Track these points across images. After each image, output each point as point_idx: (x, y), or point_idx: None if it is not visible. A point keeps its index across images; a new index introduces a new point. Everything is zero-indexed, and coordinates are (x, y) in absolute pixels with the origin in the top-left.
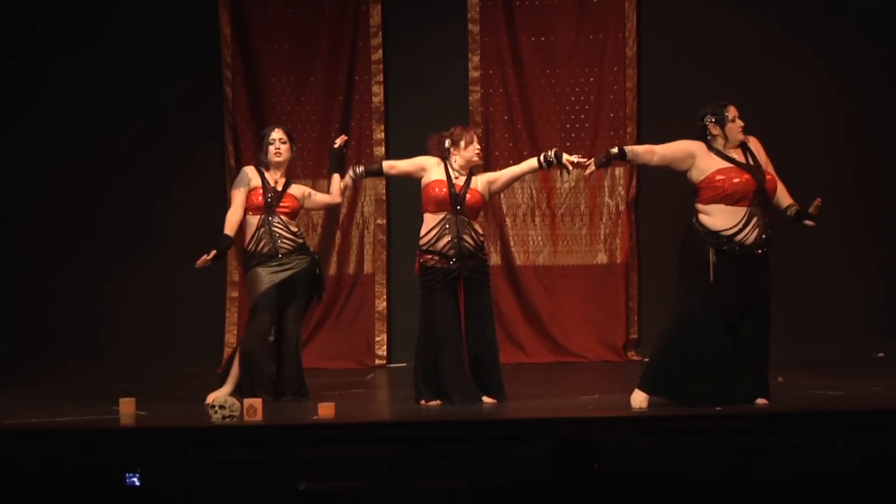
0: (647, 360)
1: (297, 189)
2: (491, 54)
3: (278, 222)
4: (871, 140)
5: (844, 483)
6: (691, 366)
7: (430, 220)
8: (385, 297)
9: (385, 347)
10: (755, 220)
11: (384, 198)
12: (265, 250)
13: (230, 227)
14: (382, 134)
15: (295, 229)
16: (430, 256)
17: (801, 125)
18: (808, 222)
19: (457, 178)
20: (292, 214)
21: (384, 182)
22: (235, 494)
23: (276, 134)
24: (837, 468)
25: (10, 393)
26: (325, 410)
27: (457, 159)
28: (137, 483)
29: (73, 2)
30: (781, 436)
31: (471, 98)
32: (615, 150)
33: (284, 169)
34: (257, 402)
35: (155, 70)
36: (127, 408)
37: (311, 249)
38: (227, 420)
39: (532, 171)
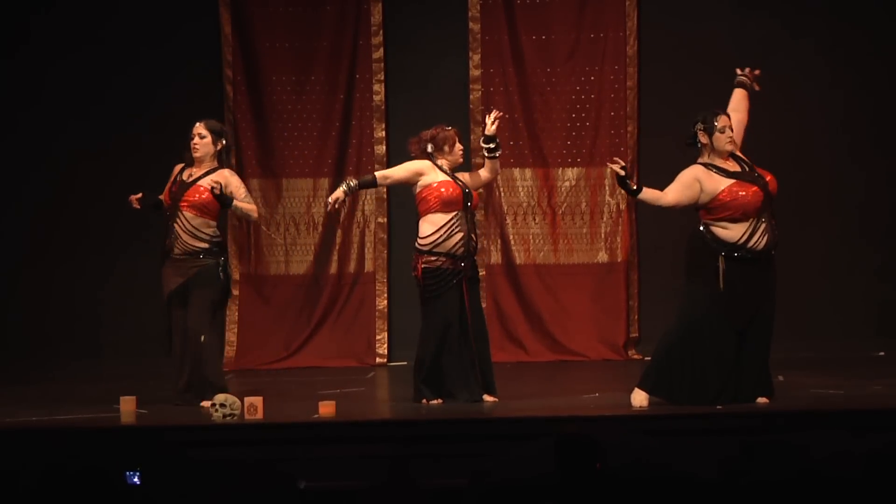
0: (647, 358)
1: (211, 180)
2: (491, 53)
3: (179, 218)
4: (871, 140)
5: (845, 482)
6: (694, 369)
7: (438, 220)
8: (386, 295)
9: (386, 346)
10: (764, 225)
11: (385, 196)
12: (164, 244)
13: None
14: (383, 132)
15: (200, 226)
16: (434, 258)
17: (803, 124)
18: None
19: (454, 177)
20: (200, 207)
21: None
22: (236, 493)
23: (195, 129)
24: (838, 467)
25: (11, 392)
26: (326, 409)
27: (442, 162)
28: (138, 482)
29: (72, 1)
30: (782, 434)
31: (471, 96)
32: (635, 186)
33: (211, 163)
34: (258, 401)
35: (155, 68)
36: (128, 406)
37: (225, 255)
38: (228, 418)
39: (493, 168)
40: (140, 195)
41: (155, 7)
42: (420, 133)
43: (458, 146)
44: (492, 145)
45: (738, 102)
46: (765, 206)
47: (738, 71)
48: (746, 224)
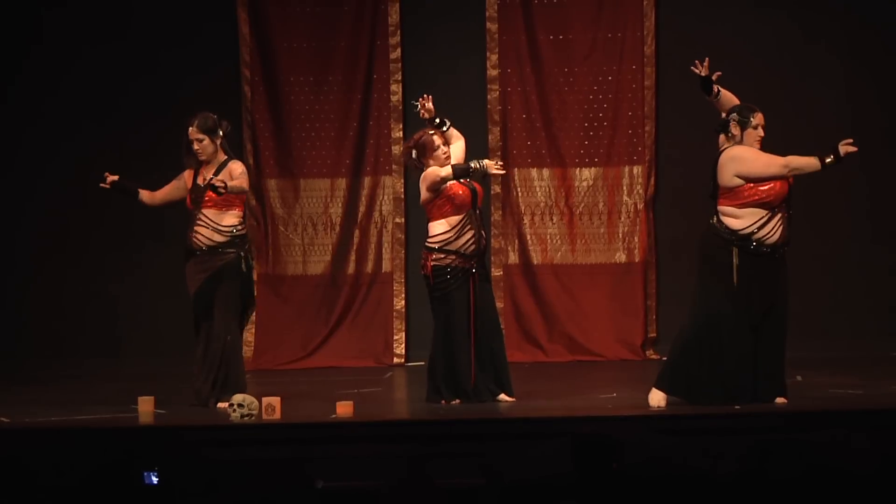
0: (665, 358)
1: (224, 175)
2: (509, 53)
3: (202, 218)
4: (884, 140)
5: (862, 481)
6: (711, 366)
7: (449, 221)
8: (403, 295)
9: (403, 346)
10: (778, 217)
11: (402, 196)
12: (187, 243)
13: (150, 191)
14: (401, 132)
15: (225, 222)
16: (444, 255)
17: (816, 124)
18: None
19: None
20: (222, 203)
21: (402, 181)
22: (253, 493)
23: (190, 135)
24: (856, 467)
25: (28, 392)
26: (344, 409)
27: (431, 164)
28: (156, 481)
29: (90, 0)
30: (800, 434)
31: (489, 96)
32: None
33: (220, 156)
34: (275, 401)
35: (173, 68)
36: (146, 406)
37: (247, 246)
38: (246, 418)
39: (452, 136)
40: (116, 177)
41: (173, 7)
42: (410, 137)
43: (441, 149)
44: (436, 123)
45: (731, 102)
46: (787, 198)
47: (699, 71)
48: (763, 213)
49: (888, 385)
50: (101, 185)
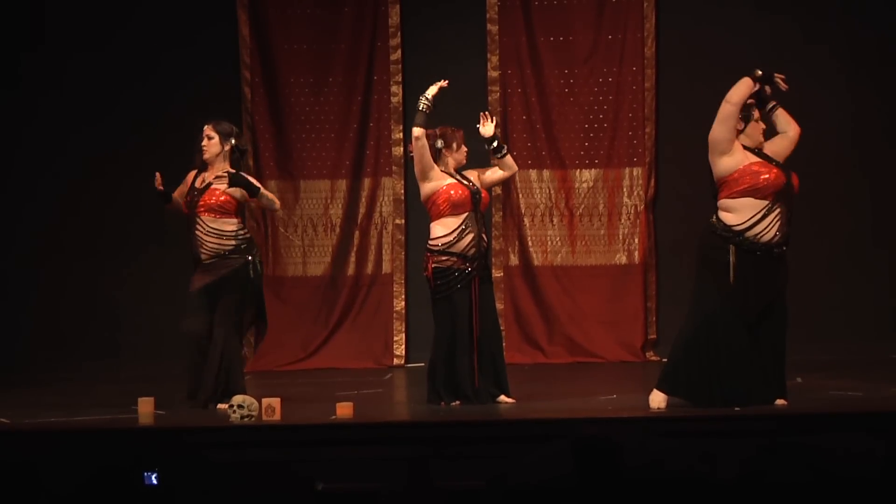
0: (665, 360)
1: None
2: (509, 54)
3: (199, 224)
4: (884, 141)
5: (864, 484)
6: (710, 366)
7: (450, 223)
8: (403, 297)
9: (403, 347)
10: (775, 214)
11: (402, 198)
12: (194, 253)
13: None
14: (401, 134)
15: (226, 228)
16: (445, 258)
17: (816, 126)
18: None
19: (460, 178)
20: (217, 209)
21: (402, 182)
22: (253, 494)
23: (204, 131)
24: (857, 469)
25: (28, 393)
26: (344, 410)
27: (449, 161)
28: (156, 483)
29: (90, 1)
30: (801, 437)
31: (489, 98)
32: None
33: (223, 165)
34: (275, 402)
35: (173, 70)
36: (145, 408)
37: (255, 250)
38: (246, 420)
39: (506, 165)
40: (160, 180)
41: (173, 9)
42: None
43: (464, 147)
44: (493, 146)
45: (784, 124)
46: (782, 194)
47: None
48: (760, 207)
49: (888, 387)
50: (157, 187)
